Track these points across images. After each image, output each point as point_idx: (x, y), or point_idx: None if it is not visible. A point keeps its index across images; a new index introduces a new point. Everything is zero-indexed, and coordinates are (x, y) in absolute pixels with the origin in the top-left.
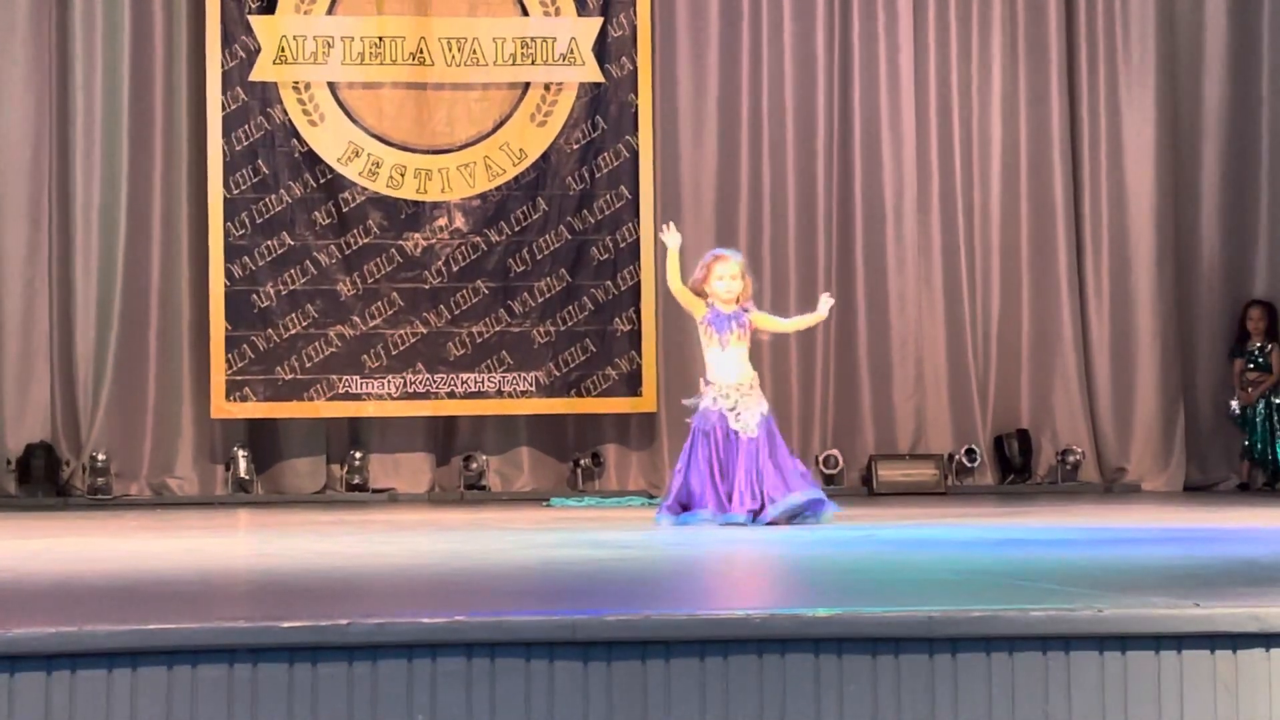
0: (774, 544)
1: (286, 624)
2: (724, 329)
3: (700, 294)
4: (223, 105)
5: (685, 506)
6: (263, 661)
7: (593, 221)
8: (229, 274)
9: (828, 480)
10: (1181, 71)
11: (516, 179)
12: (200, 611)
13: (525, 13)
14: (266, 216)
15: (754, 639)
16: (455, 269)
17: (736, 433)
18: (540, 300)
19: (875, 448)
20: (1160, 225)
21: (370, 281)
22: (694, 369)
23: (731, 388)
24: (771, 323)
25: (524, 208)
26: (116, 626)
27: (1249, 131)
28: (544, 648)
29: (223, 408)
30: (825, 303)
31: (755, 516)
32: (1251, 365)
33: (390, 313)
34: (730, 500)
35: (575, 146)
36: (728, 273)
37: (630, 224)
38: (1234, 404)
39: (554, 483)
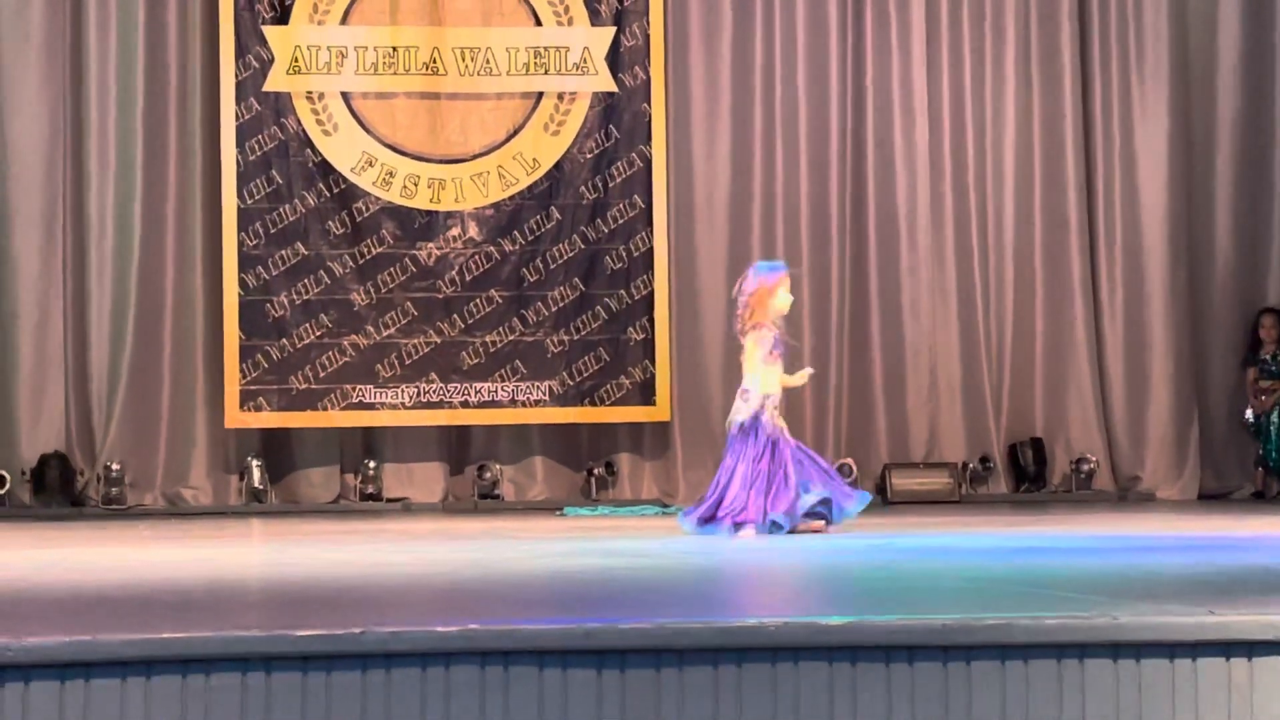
0: (788, 553)
1: (300, 633)
2: (779, 347)
3: (761, 307)
4: (236, 115)
5: (712, 518)
6: (276, 670)
7: (606, 231)
8: (243, 284)
9: None
10: (1194, 80)
11: (530, 188)
12: (214, 620)
13: (538, 22)
14: (280, 226)
15: (767, 647)
16: (469, 278)
17: (778, 442)
18: (553, 309)
19: (889, 457)
20: (1173, 233)
21: (384, 291)
22: (707, 378)
23: (775, 399)
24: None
25: (537, 217)
26: (130, 635)
27: (1262, 140)
28: (557, 656)
29: (237, 417)
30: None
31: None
32: (1265, 374)
33: (404, 322)
34: (778, 506)
35: (588, 156)
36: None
37: (644, 233)
38: (1248, 412)
39: (567, 492)
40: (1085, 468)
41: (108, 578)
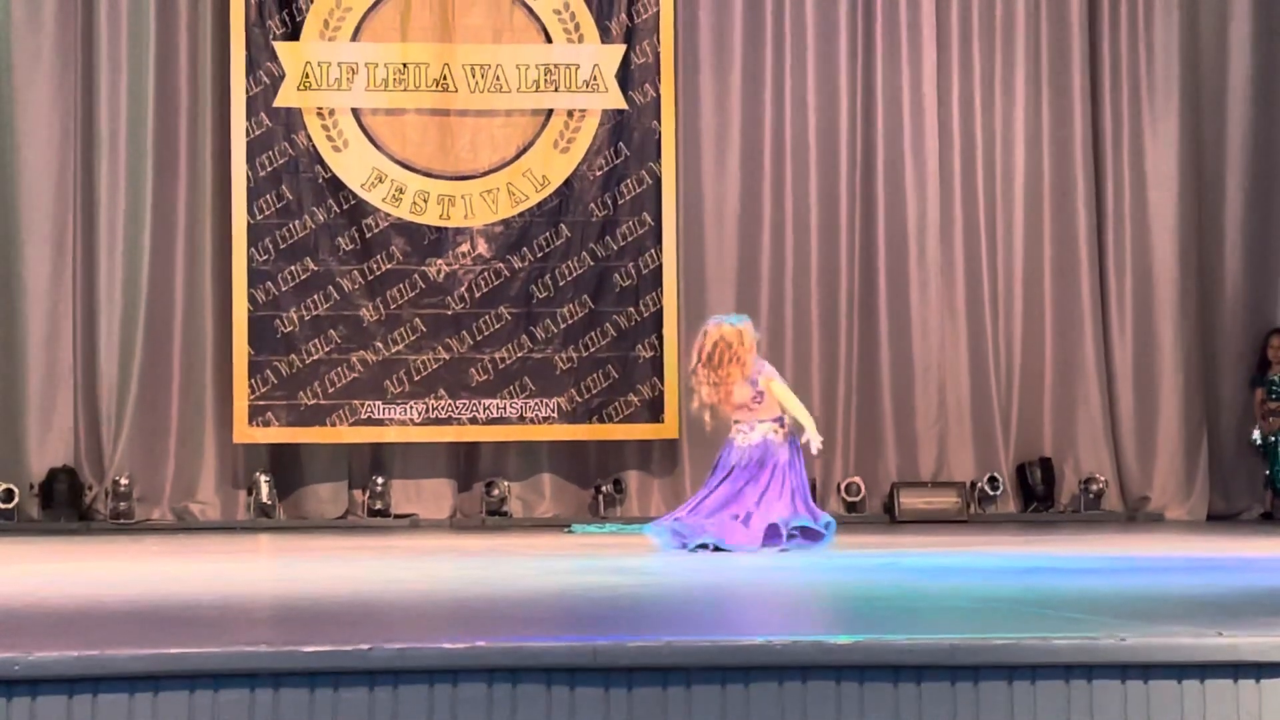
0: (795, 572)
1: (308, 649)
2: None
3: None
4: (247, 131)
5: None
6: (284, 686)
7: (615, 248)
8: (252, 299)
9: (849, 508)
10: (1205, 101)
11: (539, 205)
12: (221, 636)
13: (549, 39)
14: (290, 242)
15: (775, 666)
16: (478, 295)
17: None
18: (562, 326)
19: (897, 475)
20: (1183, 254)
21: (393, 307)
22: None
23: None
24: None
25: (546, 234)
26: (138, 650)
27: (1272, 160)
28: (565, 674)
29: (245, 433)
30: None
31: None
32: (1273, 394)
33: (413, 338)
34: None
35: (598, 173)
36: None
37: (652, 250)
38: (1255, 433)
39: (576, 509)
40: (1094, 488)
41: (115, 592)
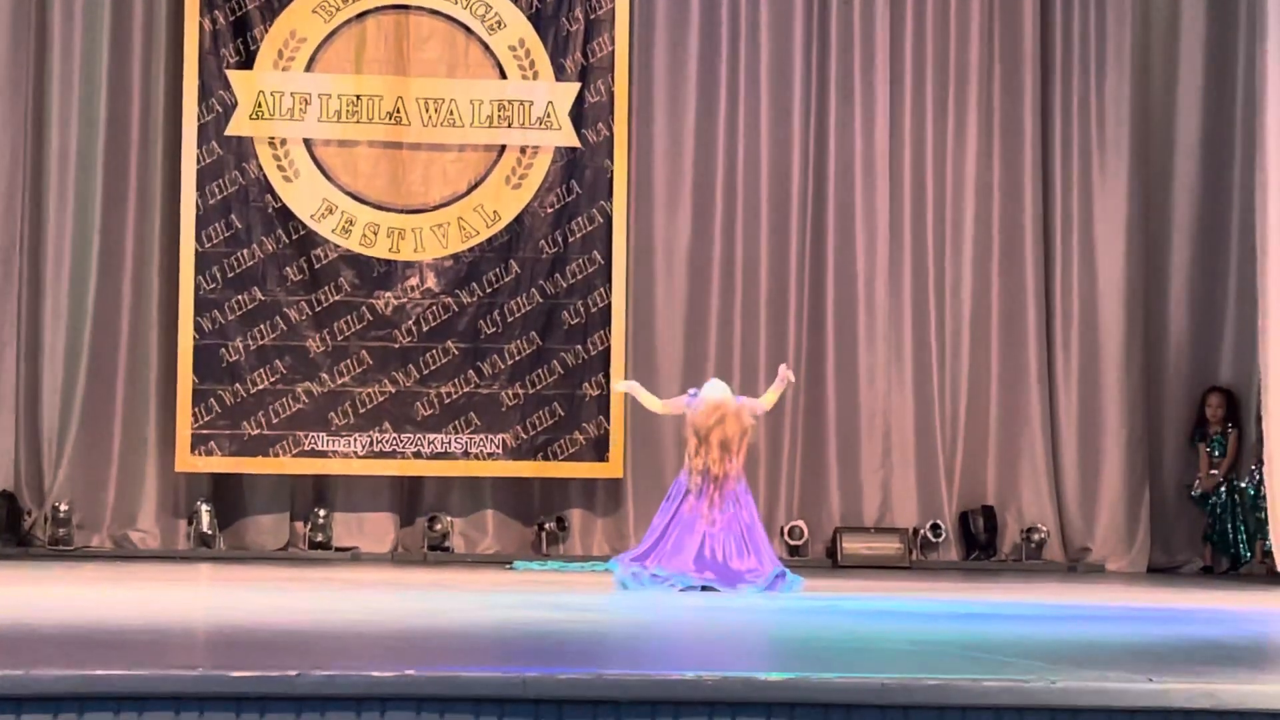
0: (734, 610)
1: (235, 673)
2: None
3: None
4: (198, 159)
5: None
6: (210, 710)
7: (564, 285)
8: (198, 327)
9: (792, 551)
10: (1154, 158)
11: (489, 241)
12: (150, 659)
13: (503, 76)
14: (238, 271)
15: (706, 701)
16: (425, 329)
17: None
18: (510, 363)
19: (841, 520)
20: (1130, 309)
21: (340, 339)
22: (661, 435)
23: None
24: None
25: (496, 270)
26: (63, 671)
27: (1219, 219)
28: (494, 704)
29: (187, 461)
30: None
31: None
32: (1214, 451)
33: (359, 371)
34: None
35: (549, 210)
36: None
37: (602, 289)
38: (1197, 482)
39: (518, 546)
40: (1036, 537)
41: (47, 615)
